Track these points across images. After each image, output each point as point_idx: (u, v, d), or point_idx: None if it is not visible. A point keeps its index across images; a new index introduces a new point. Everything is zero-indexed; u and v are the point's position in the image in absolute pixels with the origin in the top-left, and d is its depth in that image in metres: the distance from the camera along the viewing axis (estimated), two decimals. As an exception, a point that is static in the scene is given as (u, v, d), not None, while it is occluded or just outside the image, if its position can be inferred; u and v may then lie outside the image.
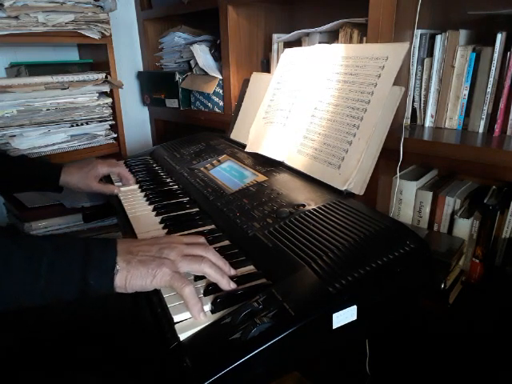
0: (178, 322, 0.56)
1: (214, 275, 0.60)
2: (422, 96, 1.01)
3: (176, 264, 0.59)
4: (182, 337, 0.54)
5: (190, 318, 0.57)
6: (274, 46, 1.35)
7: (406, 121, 1.03)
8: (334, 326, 0.55)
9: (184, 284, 0.57)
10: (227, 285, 0.60)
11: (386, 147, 0.84)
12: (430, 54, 0.98)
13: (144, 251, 0.60)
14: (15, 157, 1.27)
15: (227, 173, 1.05)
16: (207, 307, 0.58)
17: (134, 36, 1.84)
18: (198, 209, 0.92)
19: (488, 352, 0.83)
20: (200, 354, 0.51)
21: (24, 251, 0.54)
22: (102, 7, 1.43)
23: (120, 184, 1.13)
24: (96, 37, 1.45)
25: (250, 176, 0.98)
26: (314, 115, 0.96)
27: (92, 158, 1.15)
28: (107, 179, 1.17)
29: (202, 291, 0.62)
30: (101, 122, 1.57)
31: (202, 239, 0.68)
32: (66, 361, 0.72)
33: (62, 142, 1.48)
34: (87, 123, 1.53)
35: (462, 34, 0.92)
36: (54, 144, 1.45)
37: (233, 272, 0.64)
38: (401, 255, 0.61)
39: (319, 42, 1.19)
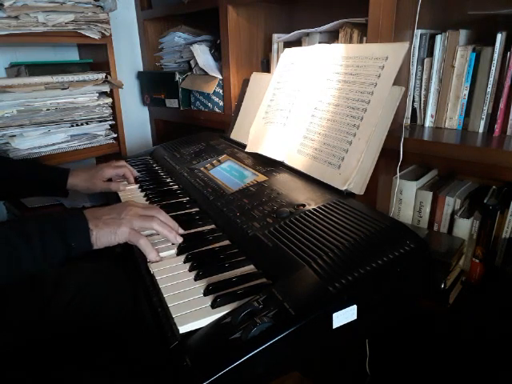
0: (177, 316, 0.57)
1: (162, 231, 0.75)
2: (422, 96, 1.01)
3: (131, 222, 0.73)
4: (182, 330, 0.54)
5: (190, 312, 0.57)
6: (274, 46, 1.35)
7: (406, 121, 1.03)
8: (334, 326, 0.55)
9: (139, 237, 0.72)
10: (174, 238, 0.75)
11: (386, 147, 0.84)
12: (430, 53, 0.98)
13: (106, 215, 0.73)
14: (23, 162, 1.28)
15: (227, 173, 1.05)
16: (207, 305, 0.59)
17: (134, 36, 1.84)
18: (197, 209, 0.92)
19: (488, 352, 0.83)
20: (200, 353, 0.51)
21: (18, 232, 0.66)
22: (102, 7, 1.43)
23: (124, 183, 1.13)
24: (96, 37, 1.44)
25: (250, 176, 0.98)
26: (314, 115, 0.96)
27: (94, 163, 1.16)
28: (108, 181, 1.17)
29: (202, 291, 0.62)
30: (101, 121, 1.56)
31: (155, 207, 0.81)
32: (66, 361, 0.72)
33: (62, 142, 1.48)
34: (87, 123, 1.52)
35: (462, 33, 0.92)
36: (54, 144, 1.45)
37: (181, 231, 0.78)
38: (401, 255, 0.61)
39: (319, 42, 1.19)
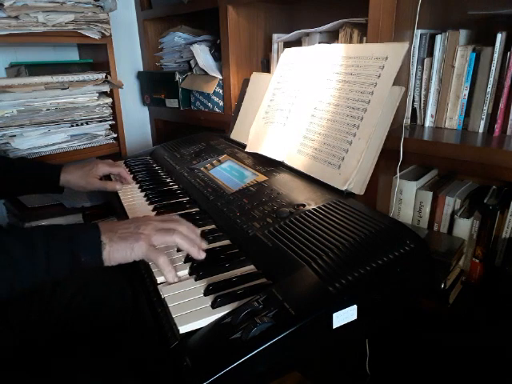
0: (176, 316, 0.57)
1: (184, 245, 0.67)
2: (422, 96, 1.01)
3: (151, 238, 0.66)
4: (182, 330, 0.54)
5: (191, 312, 0.57)
6: (274, 46, 1.35)
7: (406, 121, 1.03)
8: (334, 326, 0.55)
9: (158, 255, 0.64)
10: (197, 254, 0.67)
11: (386, 147, 0.84)
12: (430, 54, 0.98)
13: (123, 229, 0.67)
14: (14, 160, 1.27)
15: (227, 173, 1.05)
16: (207, 305, 0.59)
17: (134, 36, 1.84)
18: (198, 209, 0.92)
19: (488, 352, 0.83)
20: (200, 353, 0.51)
21: (22, 244, 0.60)
22: (102, 7, 1.43)
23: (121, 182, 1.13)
24: (96, 37, 1.45)
25: (250, 176, 0.98)
26: (314, 115, 0.96)
27: (92, 159, 1.15)
28: (107, 179, 1.17)
29: (202, 291, 0.62)
30: (101, 122, 1.56)
31: (175, 216, 0.74)
32: (66, 361, 0.72)
33: (62, 142, 1.47)
34: (87, 123, 1.52)
35: (462, 34, 0.92)
36: (54, 144, 1.45)
37: (204, 246, 0.71)
38: (401, 255, 0.61)
39: (319, 42, 1.19)
